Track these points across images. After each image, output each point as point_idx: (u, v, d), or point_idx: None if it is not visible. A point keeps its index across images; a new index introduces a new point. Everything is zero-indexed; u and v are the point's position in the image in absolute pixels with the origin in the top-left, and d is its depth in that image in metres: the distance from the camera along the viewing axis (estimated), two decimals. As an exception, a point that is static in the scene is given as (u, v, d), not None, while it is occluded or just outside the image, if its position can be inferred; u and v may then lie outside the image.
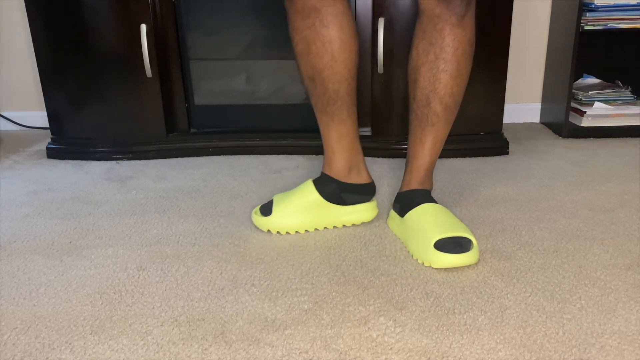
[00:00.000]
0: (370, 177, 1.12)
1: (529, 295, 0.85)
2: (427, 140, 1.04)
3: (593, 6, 1.59)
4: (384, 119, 1.54)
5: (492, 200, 1.23)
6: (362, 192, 1.10)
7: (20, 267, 0.98)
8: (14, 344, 0.77)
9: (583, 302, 0.84)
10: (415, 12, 1.44)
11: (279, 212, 1.07)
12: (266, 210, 1.10)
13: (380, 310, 0.82)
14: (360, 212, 1.10)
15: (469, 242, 0.94)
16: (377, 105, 1.53)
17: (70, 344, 0.76)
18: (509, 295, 0.86)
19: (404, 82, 1.50)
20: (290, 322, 0.80)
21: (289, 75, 1.59)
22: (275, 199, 1.11)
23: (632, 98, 1.72)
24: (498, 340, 0.75)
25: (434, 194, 1.26)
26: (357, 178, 1.09)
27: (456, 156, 1.53)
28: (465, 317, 0.80)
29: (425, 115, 1.02)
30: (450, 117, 1.03)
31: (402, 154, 1.54)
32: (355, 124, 1.08)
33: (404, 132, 1.54)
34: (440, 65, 0.98)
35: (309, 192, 1.07)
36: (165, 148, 1.59)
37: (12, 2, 1.86)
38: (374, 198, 1.14)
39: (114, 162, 1.56)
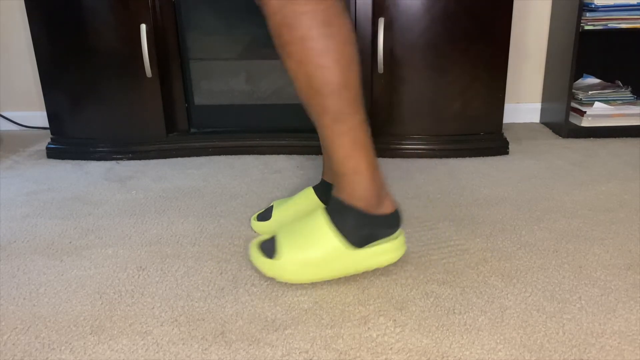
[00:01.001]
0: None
1: (529, 295, 0.85)
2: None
3: (593, 6, 1.59)
4: (384, 119, 1.54)
5: (492, 200, 1.23)
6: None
7: (20, 267, 0.98)
8: (14, 344, 0.77)
9: (583, 302, 0.84)
10: (416, 12, 1.45)
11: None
12: (265, 216, 1.09)
13: (380, 310, 0.82)
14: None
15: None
16: (377, 105, 1.53)
17: (70, 344, 0.76)
18: (509, 295, 0.85)
19: (404, 82, 1.50)
20: (290, 322, 0.80)
21: (288, 75, 1.59)
22: (275, 204, 1.11)
23: (632, 98, 1.72)
24: (498, 340, 0.75)
25: (433, 194, 1.26)
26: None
27: (456, 156, 1.53)
28: (465, 317, 0.80)
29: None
30: (311, 110, 0.84)
31: (402, 154, 1.54)
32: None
33: (404, 132, 1.54)
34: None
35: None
36: (165, 148, 1.59)
37: (12, 2, 1.86)
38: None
39: (114, 162, 1.56)
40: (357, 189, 0.85)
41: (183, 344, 0.76)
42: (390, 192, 0.92)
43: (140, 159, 1.58)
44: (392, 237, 0.90)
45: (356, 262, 0.88)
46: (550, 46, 1.82)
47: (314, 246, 0.87)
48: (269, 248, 0.90)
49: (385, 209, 0.88)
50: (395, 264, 0.95)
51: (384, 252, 0.89)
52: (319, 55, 0.78)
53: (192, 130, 1.64)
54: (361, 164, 0.84)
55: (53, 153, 1.62)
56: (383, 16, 1.44)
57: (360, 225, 0.86)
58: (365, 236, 0.87)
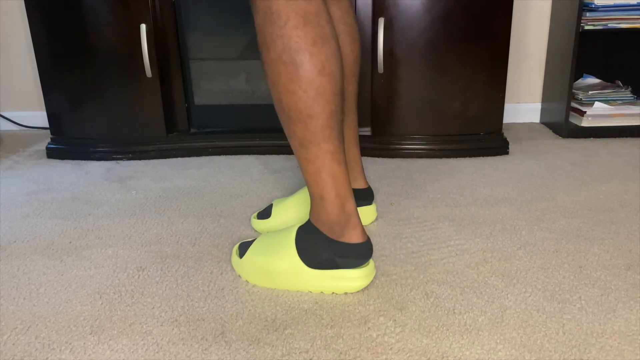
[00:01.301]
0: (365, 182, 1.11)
1: (529, 295, 0.85)
2: None
3: (593, 6, 1.59)
4: (384, 119, 1.54)
5: (492, 200, 1.23)
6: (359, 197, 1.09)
7: (20, 267, 0.98)
8: (14, 344, 0.77)
9: (583, 302, 0.83)
10: (416, 12, 1.45)
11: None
12: (265, 214, 1.10)
13: (380, 310, 0.82)
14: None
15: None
16: (377, 105, 1.53)
17: (70, 344, 0.76)
18: (509, 295, 0.85)
19: (404, 82, 1.50)
20: (290, 322, 0.80)
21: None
22: (275, 202, 1.11)
23: (632, 98, 1.72)
24: (498, 341, 0.75)
25: (433, 194, 1.26)
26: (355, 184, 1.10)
27: (456, 156, 1.53)
28: (465, 317, 0.80)
29: None
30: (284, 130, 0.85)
31: (402, 154, 1.54)
32: None
33: (404, 132, 1.54)
34: None
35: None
36: (165, 148, 1.59)
37: (12, 2, 1.86)
38: (373, 202, 1.13)
39: (114, 162, 1.56)
40: (321, 214, 0.85)
41: (183, 344, 0.76)
42: (362, 225, 0.88)
43: (140, 159, 1.58)
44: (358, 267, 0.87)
45: (313, 281, 0.86)
46: (550, 46, 1.82)
47: (274, 256, 0.88)
48: (244, 249, 0.94)
49: (352, 238, 0.85)
50: (395, 264, 0.95)
51: (344, 278, 0.86)
52: (288, 81, 0.77)
53: (192, 130, 1.64)
54: (327, 192, 0.83)
55: (53, 153, 1.62)
56: (383, 16, 1.43)
57: (320, 249, 0.85)
58: (325, 261, 0.85)
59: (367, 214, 1.11)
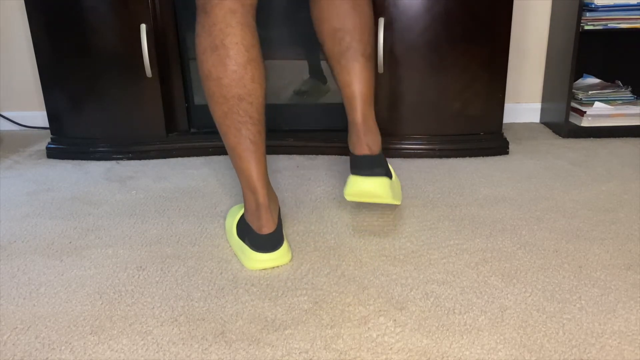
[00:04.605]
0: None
1: (529, 295, 0.85)
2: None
3: (593, 6, 1.59)
4: (385, 119, 1.54)
5: (492, 200, 1.23)
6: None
7: (20, 267, 0.98)
8: (14, 344, 0.77)
9: (583, 302, 0.84)
10: (416, 12, 1.45)
11: None
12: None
13: (380, 310, 0.82)
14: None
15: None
16: (377, 105, 1.53)
17: (70, 344, 0.76)
18: (509, 295, 0.86)
19: (404, 82, 1.50)
20: (290, 322, 0.80)
21: (289, 75, 1.59)
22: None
23: (632, 98, 1.72)
24: (498, 340, 0.75)
25: (433, 194, 1.26)
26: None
27: (456, 156, 1.53)
28: (465, 317, 0.80)
29: None
30: None
31: (402, 154, 1.54)
32: None
33: (404, 132, 1.54)
34: None
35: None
36: (165, 148, 1.59)
37: (12, 2, 1.86)
38: (380, 176, 1.04)
39: (114, 162, 1.56)
40: (245, 203, 0.98)
41: (183, 344, 0.76)
42: (270, 218, 0.95)
43: (140, 159, 1.58)
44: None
45: (233, 243, 1.02)
46: (550, 46, 1.82)
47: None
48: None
49: (260, 229, 0.94)
50: (395, 264, 0.95)
51: (247, 256, 0.95)
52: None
53: (192, 130, 1.64)
54: (242, 183, 0.95)
55: (53, 153, 1.62)
56: (383, 16, 1.43)
57: (243, 226, 0.99)
58: (242, 234, 0.99)
59: (373, 186, 1.00)
